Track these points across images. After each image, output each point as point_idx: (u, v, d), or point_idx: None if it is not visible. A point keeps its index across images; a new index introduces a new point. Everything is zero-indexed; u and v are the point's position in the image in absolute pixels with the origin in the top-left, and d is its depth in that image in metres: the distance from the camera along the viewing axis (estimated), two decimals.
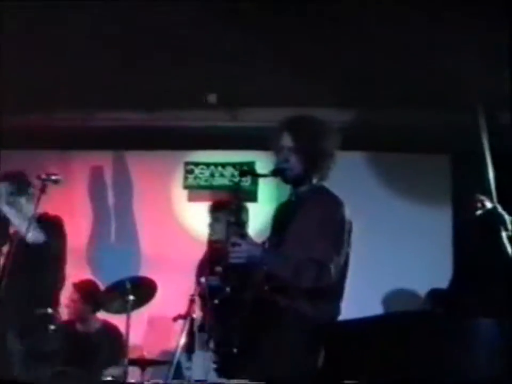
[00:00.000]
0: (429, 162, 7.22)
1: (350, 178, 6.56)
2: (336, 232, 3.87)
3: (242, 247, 3.80)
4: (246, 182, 6.77)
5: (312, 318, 3.80)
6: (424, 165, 7.19)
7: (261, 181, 6.82)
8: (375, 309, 6.34)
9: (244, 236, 3.94)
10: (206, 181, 7.43)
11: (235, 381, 3.72)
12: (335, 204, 3.95)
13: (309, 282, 3.76)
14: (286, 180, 4.07)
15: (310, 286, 3.77)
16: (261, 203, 7.04)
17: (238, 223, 3.99)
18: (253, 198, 7.05)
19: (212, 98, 6.91)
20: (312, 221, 3.85)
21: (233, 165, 7.30)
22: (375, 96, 6.52)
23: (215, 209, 5.73)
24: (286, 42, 5.75)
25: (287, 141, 4.01)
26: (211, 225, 5.70)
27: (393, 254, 6.90)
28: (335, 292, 3.93)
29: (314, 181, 4.05)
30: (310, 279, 3.75)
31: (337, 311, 3.95)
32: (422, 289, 6.33)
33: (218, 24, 5.45)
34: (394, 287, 6.54)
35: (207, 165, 7.43)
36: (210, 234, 5.66)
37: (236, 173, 7.19)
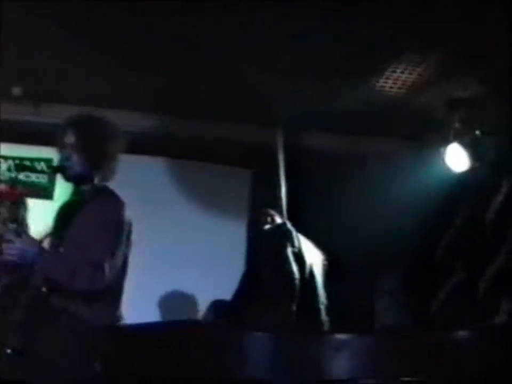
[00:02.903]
0: (230, 175, 7.32)
1: (148, 183, 6.59)
2: (113, 233, 3.86)
3: (16, 245, 3.74)
4: (41, 178, 6.62)
5: (89, 321, 3.74)
6: (225, 177, 7.28)
7: (59, 178, 6.68)
8: (156, 315, 6.38)
9: (19, 232, 3.84)
10: (1, 175, 7.12)
11: None
12: (114, 204, 3.94)
13: (83, 284, 3.72)
14: (66, 178, 4.09)
15: (83, 288, 3.74)
16: (58, 201, 6.80)
17: (15, 219, 3.90)
18: (49, 195, 6.87)
19: (17, 91, 6.70)
20: (90, 221, 3.83)
21: (31, 160, 7.06)
22: (182, 105, 6.56)
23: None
24: (104, 39, 5.60)
25: (70, 138, 4.02)
26: None
27: (183, 261, 6.88)
28: (113, 294, 3.91)
29: (96, 180, 4.04)
30: (83, 281, 3.71)
31: (116, 314, 3.94)
32: (209, 299, 6.40)
33: (28, 15, 5.29)
34: (179, 296, 6.56)
35: (5, 158, 7.14)
36: None
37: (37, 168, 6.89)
